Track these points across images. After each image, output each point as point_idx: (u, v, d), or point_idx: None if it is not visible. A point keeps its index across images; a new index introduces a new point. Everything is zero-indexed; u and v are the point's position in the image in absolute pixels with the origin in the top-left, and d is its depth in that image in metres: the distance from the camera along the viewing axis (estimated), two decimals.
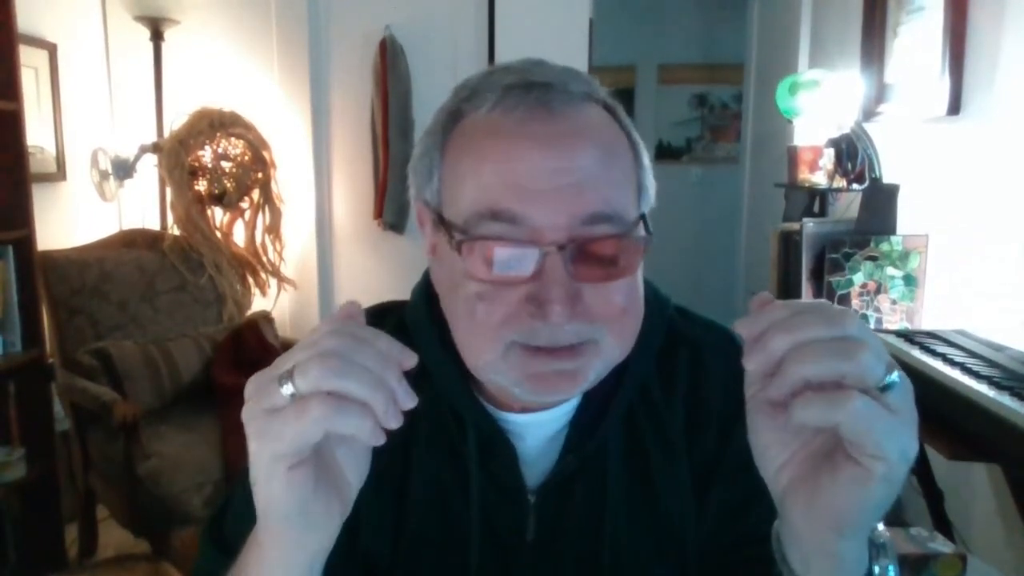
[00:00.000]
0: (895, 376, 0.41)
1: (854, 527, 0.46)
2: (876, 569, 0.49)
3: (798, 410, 0.41)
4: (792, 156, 2.70)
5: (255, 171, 2.91)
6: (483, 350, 0.59)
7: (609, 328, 0.59)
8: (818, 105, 2.51)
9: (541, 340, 0.57)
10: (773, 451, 0.47)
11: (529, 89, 0.58)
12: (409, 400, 0.45)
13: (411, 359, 0.46)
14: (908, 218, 2.16)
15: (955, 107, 1.97)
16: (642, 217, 0.61)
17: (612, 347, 0.60)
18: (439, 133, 0.63)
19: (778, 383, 0.42)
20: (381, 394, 0.44)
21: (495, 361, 0.59)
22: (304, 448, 0.45)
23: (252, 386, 0.46)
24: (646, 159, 0.64)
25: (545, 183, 0.56)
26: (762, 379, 0.46)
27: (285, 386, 0.44)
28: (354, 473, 0.50)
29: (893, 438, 0.41)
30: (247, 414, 0.46)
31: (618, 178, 0.59)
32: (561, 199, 0.56)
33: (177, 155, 2.75)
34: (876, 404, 0.40)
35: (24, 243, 2.13)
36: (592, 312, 0.58)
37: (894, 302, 2.07)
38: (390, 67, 2.92)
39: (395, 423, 0.44)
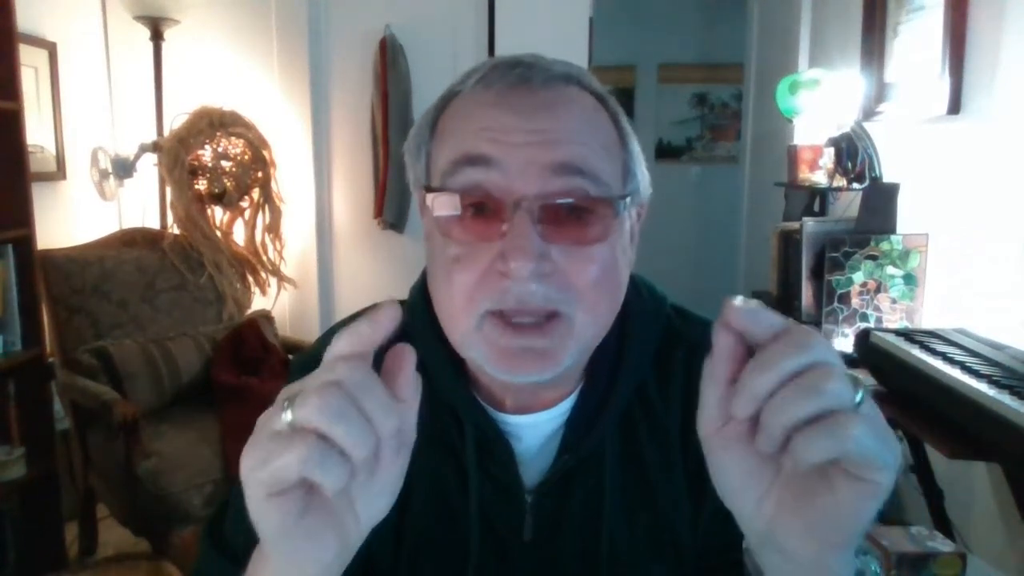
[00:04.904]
0: (862, 393, 0.40)
1: (855, 539, 0.45)
2: (859, 565, 0.48)
3: (801, 453, 0.40)
4: (792, 155, 2.70)
5: (255, 170, 2.91)
6: (460, 319, 0.60)
7: (580, 301, 0.58)
8: (818, 104, 2.51)
9: (510, 302, 0.57)
10: (748, 486, 0.45)
11: (512, 66, 0.61)
12: (404, 455, 0.45)
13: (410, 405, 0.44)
14: (908, 217, 2.16)
15: (955, 107, 1.96)
16: (627, 197, 0.61)
17: (585, 325, 0.59)
18: (432, 112, 0.65)
19: (767, 438, 0.41)
20: (370, 447, 0.41)
21: (471, 332, 0.60)
22: (282, 482, 0.42)
23: (282, 395, 0.43)
24: (635, 147, 0.65)
25: (518, 139, 0.58)
26: (721, 415, 0.44)
27: (286, 411, 0.41)
28: (367, 509, 0.46)
29: (886, 447, 0.41)
30: (259, 421, 0.44)
31: (594, 145, 0.60)
32: (533, 152, 0.57)
33: (177, 154, 2.75)
34: (863, 421, 0.40)
35: (24, 242, 2.13)
36: (562, 277, 0.58)
37: (894, 301, 2.07)
38: (390, 67, 2.92)
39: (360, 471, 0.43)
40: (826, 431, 0.39)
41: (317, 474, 0.40)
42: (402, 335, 0.71)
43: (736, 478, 0.45)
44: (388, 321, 0.43)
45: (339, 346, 0.43)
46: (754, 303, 0.43)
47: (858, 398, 0.40)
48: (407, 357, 0.44)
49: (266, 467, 0.41)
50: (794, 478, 0.44)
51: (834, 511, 0.42)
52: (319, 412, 0.40)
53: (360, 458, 0.41)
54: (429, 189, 0.61)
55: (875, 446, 0.40)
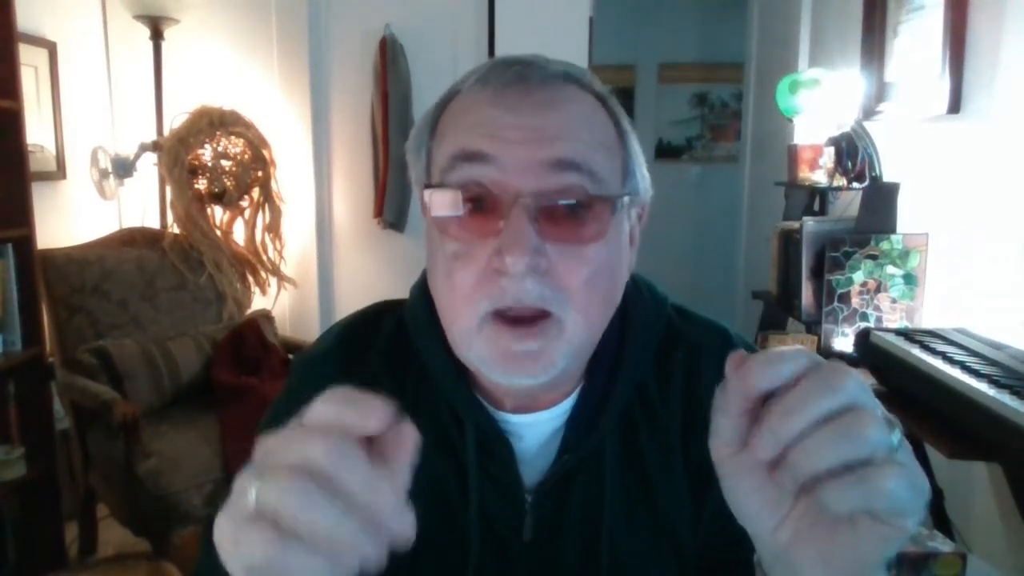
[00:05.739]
0: (898, 434, 0.39)
1: (875, 572, 0.43)
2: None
3: (830, 502, 0.39)
4: (792, 155, 2.70)
5: (255, 169, 2.91)
6: (461, 316, 0.60)
7: (573, 301, 0.58)
8: (818, 104, 2.51)
9: (507, 301, 0.57)
10: (765, 514, 0.44)
11: (510, 65, 0.61)
12: (403, 525, 0.38)
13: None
14: (908, 217, 2.16)
15: (955, 106, 1.96)
16: (625, 196, 0.61)
17: (576, 326, 0.59)
18: (433, 111, 0.65)
19: (792, 478, 0.40)
20: (353, 528, 0.37)
21: (472, 332, 0.59)
22: (255, 566, 0.38)
23: (259, 450, 0.40)
24: (636, 148, 0.65)
25: (515, 135, 0.58)
26: (735, 441, 0.43)
27: (252, 490, 0.37)
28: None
29: (917, 495, 0.39)
30: (236, 484, 0.40)
31: (592, 143, 0.60)
32: (530, 148, 0.57)
33: (177, 153, 2.75)
34: (899, 472, 0.38)
35: (24, 242, 2.13)
36: (556, 276, 0.58)
37: (894, 301, 2.07)
38: (390, 66, 2.92)
39: (374, 557, 0.38)
40: (859, 483, 0.38)
41: (283, 569, 0.37)
42: (402, 334, 0.72)
43: (752, 505, 0.44)
44: (376, 422, 0.38)
45: (319, 415, 0.39)
46: (765, 354, 0.40)
47: (894, 441, 0.38)
48: (408, 438, 0.40)
49: (239, 551, 0.39)
50: (814, 511, 0.42)
51: (854, 550, 0.41)
52: (282, 503, 0.37)
53: (349, 543, 0.37)
54: (428, 185, 0.62)
55: (908, 496, 0.38)
